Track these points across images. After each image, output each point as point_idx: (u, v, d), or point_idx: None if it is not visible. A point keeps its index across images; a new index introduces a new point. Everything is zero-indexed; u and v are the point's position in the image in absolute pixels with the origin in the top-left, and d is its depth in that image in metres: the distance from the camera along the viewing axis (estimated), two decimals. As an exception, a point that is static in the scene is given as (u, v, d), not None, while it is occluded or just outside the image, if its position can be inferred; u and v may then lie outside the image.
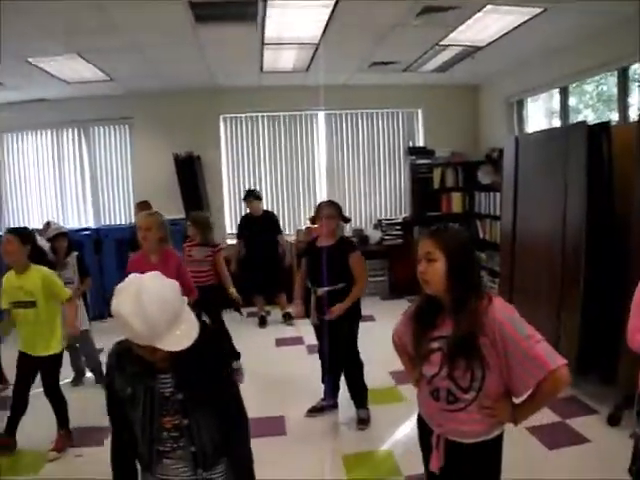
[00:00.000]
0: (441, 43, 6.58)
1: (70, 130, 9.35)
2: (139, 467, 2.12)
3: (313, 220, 4.69)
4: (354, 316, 4.51)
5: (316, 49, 6.74)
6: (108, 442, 4.34)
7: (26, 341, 4.23)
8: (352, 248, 4.53)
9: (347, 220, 4.80)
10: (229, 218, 9.39)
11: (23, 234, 4.21)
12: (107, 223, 9.27)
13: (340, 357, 4.58)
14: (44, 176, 9.46)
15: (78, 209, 9.45)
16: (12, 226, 8.22)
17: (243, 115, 9.23)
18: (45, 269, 4.21)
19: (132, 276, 1.83)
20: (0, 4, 4.63)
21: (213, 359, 1.99)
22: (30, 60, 6.64)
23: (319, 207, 4.57)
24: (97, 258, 7.96)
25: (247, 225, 7.78)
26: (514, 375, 2.02)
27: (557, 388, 2.04)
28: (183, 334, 1.74)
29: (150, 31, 5.80)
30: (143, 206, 7.29)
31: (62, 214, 9.19)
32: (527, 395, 2.09)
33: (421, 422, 2.39)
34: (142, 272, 4.10)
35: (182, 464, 1.98)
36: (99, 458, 4.20)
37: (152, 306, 1.68)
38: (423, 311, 2.25)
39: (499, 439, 2.20)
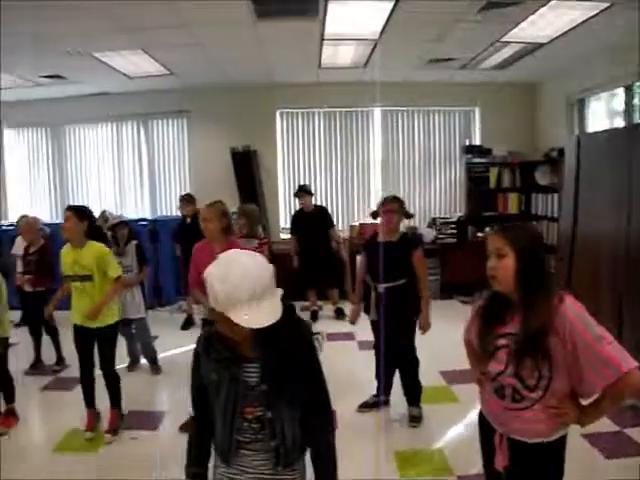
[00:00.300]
0: (502, 40, 6.49)
1: (130, 123, 9.62)
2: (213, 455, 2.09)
3: (375, 215, 4.66)
4: (414, 313, 4.48)
5: (375, 45, 6.72)
6: (162, 426, 4.54)
7: (79, 313, 4.33)
8: (416, 245, 4.52)
9: (410, 216, 4.77)
10: (283, 213, 9.46)
11: (80, 211, 4.33)
12: (163, 214, 9.47)
13: (397, 353, 4.55)
14: (104, 167, 9.76)
15: (135, 200, 9.73)
16: None
17: (299, 110, 9.29)
18: (100, 245, 4.35)
19: (231, 250, 1.83)
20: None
21: (301, 352, 1.93)
22: (96, 55, 6.82)
23: (383, 202, 4.54)
24: (153, 248, 8.12)
25: (300, 220, 7.81)
26: (583, 376, 1.97)
27: (628, 391, 1.98)
28: (261, 314, 1.67)
29: (213, 27, 5.91)
30: (187, 199, 7.42)
31: (120, 204, 9.46)
32: (595, 397, 2.04)
33: (482, 421, 2.36)
34: (206, 262, 4.20)
35: (261, 457, 1.93)
36: (152, 441, 4.38)
37: (236, 273, 1.67)
38: (490, 307, 2.22)
39: (563, 440, 2.15)
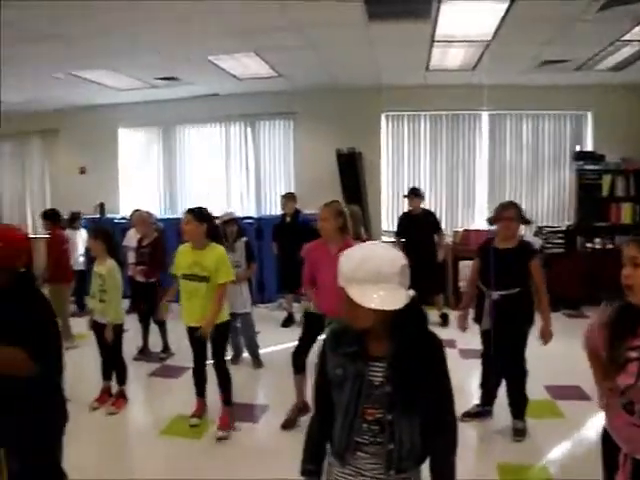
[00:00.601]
0: (622, 39, 6.18)
1: (238, 124, 9.90)
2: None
3: (491, 221, 4.53)
4: (527, 322, 4.32)
5: (486, 47, 6.58)
6: (263, 419, 4.61)
7: (192, 314, 4.43)
8: (534, 253, 4.38)
9: (528, 222, 4.61)
10: (385, 215, 9.43)
11: (199, 213, 4.45)
12: (267, 213, 9.66)
13: (506, 364, 4.38)
14: (212, 166, 10.11)
15: (241, 198, 9.99)
16: (183, 211, 8.82)
17: (405, 113, 9.21)
18: (221, 248, 4.45)
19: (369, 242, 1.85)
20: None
21: (431, 358, 1.86)
22: (210, 58, 7.07)
23: (500, 208, 4.41)
24: (257, 246, 8.26)
25: (406, 223, 7.70)
26: None
27: None
28: (377, 297, 1.66)
29: (324, 29, 5.98)
30: (289, 197, 7.53)
31: (227, 202, 9.73)
32: None
33: (606, 436, 2.23)
34: (320, 260, 4.20)
35: (375, 460, 1.86)
36: (254, 433, 4.47)
37: (363, 252, 1.72)
38: (621, 318, 2.09)
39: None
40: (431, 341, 1.89)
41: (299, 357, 4.38)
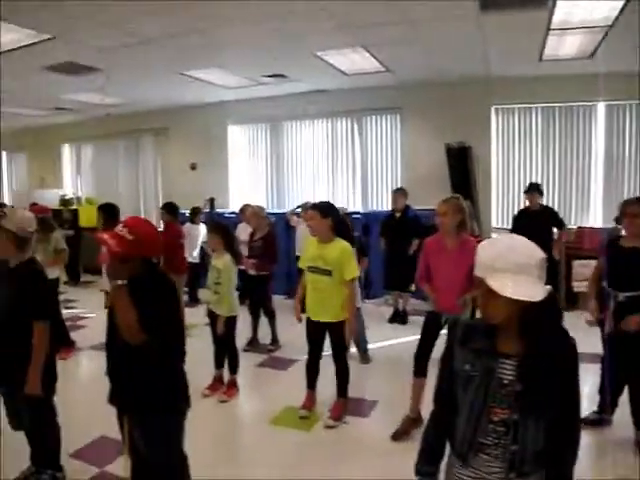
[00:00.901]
0: None
1: (344, 119, 9.94)
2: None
3: (618, 220, 4.28)
4: None
5: (606, 33, 6.24)
6: (373, 414, 4.58)
7: (314, 307, 4.49)
8: None
9: None
10: (495, 211, 9.16)
11: (323, 208, 4.48)
12: (373, 209, 9.66)
13: (631, 370, 4.07)
14: (318, 161, 10.23)
15: (347, 194, 10.03)
16: (292, 205, 9.09)
17: (516, 106, 8.87)
18: (345, 244, 4.43)
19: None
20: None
21: (564, 355, 1.78)
22: (318, 54, 7.12)
23: (625, 204, 4.14)
24: (364, 241, 8.26)
25: (524, 220, 7.36)
26: None
27: None
28: (519, 287, 1.61)
29: (435, 22, 5.89)
30: (399, 193, 7.46)
31: (333, 197, 9.72)
32: None
33: None
34: (438, 256, 4.14)
35: (497, 463, 1.79)
36: (363, 428, 4.45)
37: (504, 243, 1.71)
38: None
39: None
40: (565, 341, 1.80)
41: (421, 359, 4.24)
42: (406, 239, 7.17)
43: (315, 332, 4.55)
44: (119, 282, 2.46)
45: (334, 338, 4.51)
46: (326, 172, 10.19)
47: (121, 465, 3.13)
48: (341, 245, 4.40)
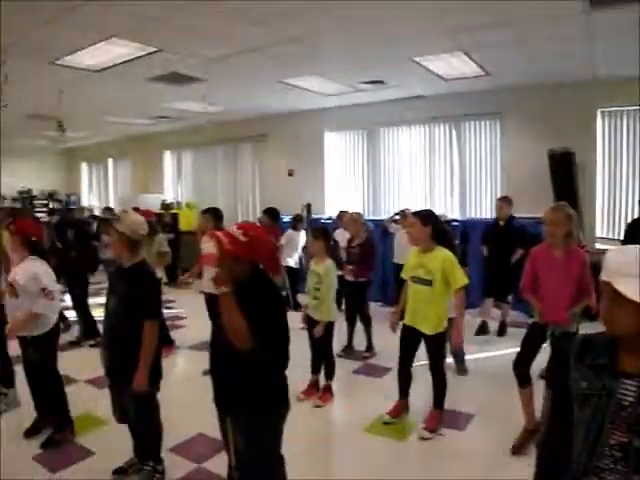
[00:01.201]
0: None
1: (442, 125, 9.78)
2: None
3: None
4: None
5: None
6: (470, 427, 4.46)
7: (413, 315, 4.44)
8: None
9: None
10: (600, 220, 8.70)
11: (424, 216, 4.43)
12: (472, 216, 9.46)
13: None
14: (415, 168, 10.11)
15: (445, 200, 9.85)
16: (388, 212, 9.06)
17: (624, 109, 8.36)
18: (447, 252, 4.33)
19: None
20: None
21: None
22: (417, 59, 7.05)
23: None
24: (462, 249, 8.08)
25: (636, 230, 6.89)
26: None
27: None
28: None
29: (537, 23, 5.69)
30: (505, 201, 7.23)
31: (430, 204, 9.62)
32: None
33: None
34: (545, 266, 3.99)
35: None
36: (459, 441, 4.33)
37: (634, 250, 1.57)
38: None
39: None
40: None
41: (521, 368, 4.12)
42: (509, 248, 6.94)
43: (410, 339, 4.49)
44: (225, 289, 2.49)
45: (431, 350, 4.44)
46: (423, 179, 10.05)
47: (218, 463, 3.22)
48: (443, 254, 4.30)
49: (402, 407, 4.68)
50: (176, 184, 14.60)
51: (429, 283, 4.28)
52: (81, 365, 5.94)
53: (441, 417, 4.49)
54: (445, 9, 5.26)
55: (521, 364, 4.12)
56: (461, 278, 4.29)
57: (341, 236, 6.95)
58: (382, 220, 8.72)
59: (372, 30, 5.89)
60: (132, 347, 3.38)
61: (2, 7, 4.88)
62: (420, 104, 9.51)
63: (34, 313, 4.02)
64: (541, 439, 1.96)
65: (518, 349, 4.18)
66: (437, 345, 4.42)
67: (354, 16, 5.42)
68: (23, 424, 4.54)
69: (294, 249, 8.39)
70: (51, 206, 16.17)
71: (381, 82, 8.49)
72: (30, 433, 4.43)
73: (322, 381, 5.26)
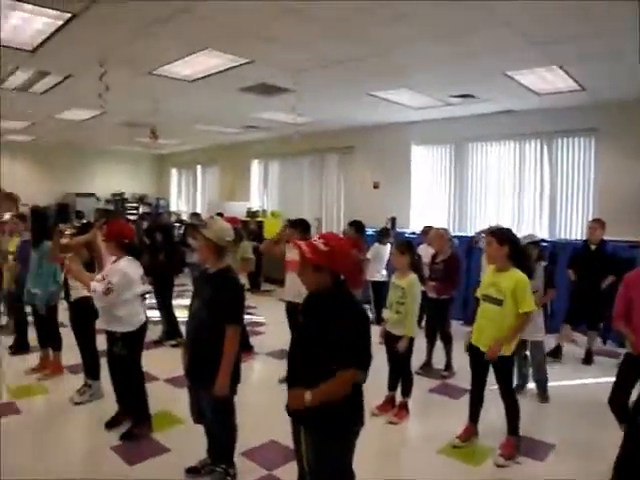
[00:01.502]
0: None
1: (533, 141, 9.48)
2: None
3: None
4: None
5: None
6: (550, 458, 4.28)
7: (478, 335, 4.33)
8: None
9: None
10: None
11: (500, 235, 4.32)
12: (561, 237, 9.08)
13: None
14: (504, 185, 9.83)
15: (534, 219, 9.53)
16: (474, 228, 8.93)
17: None
18: (521, 275, 4.18)
19: None
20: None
21: None
22: (509, 73, 6.88)
23: None
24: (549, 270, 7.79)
25: None
26: None
27: None
28: None
29: (633, 34, 5.36)
30: (598, 224, 6.92)
31: (518, 223, 9.39)
32: None
33: None
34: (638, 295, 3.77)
35: None
36: (538, 472, 4.14)
37: None
38: None
39: None
40: None
41: (617, 403, 3.94)
42: (600, 274, 6.64)
43: (478, 360, 4.36)
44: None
45: (497, 373, 4.31)
46: (511, 196, 9.72)
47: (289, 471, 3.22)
48: (517, 276, 4.17)
49: (471, 431, 4.55)
50: (262, 192, 14.87)
51: (499, 303, 4.17)
52: (162, 364, 6.15)
53: (517, 444, 4.31)
54: (537, 21, 5.09)
55: (617, 398, 3.94)
56: (529, 304, 4.14)
57: (424, 251, 6.86)
58: (467, 237, 8.52)
59: (462, 43, 5.79)
60: (213, 350, 3.46)
61: (103, 20, 5.15)
62: (510, 119, 9.28)
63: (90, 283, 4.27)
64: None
65: (605, 379, 3.99)
66: (503, 369, 4.28)
67: (442, 29, 5.36)
68: (104, 415, 4.77)
69: (381, 263, 8.31)
70: (141, 210, 16.80)
71: (471, 96, 8.33)
72: (110, 425, 4.67)
73: (398, 398, 5.17)
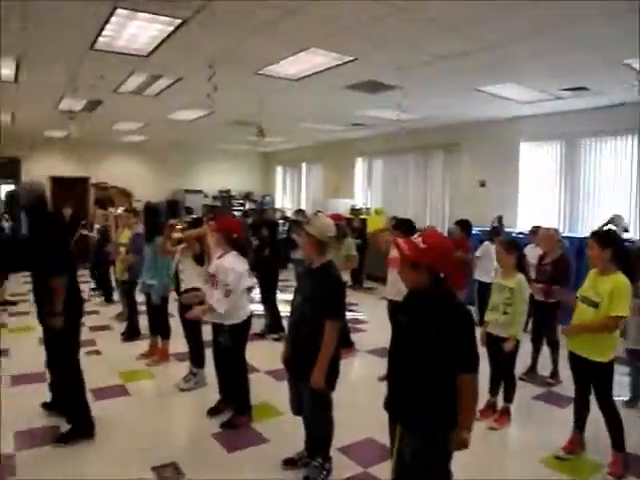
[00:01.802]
0: None
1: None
2: None
3: None
4: None
5: None
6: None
7: (574, 339, 4.16)
8: None
9: None
10: None
11: (603, 237, 4.13)
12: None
13: None
14: (620, 183, 9.19)
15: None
16: (586, 229, 8.50)
17: None
18: (623, 279, 3.95)
19: None
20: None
21: None
22: (628, 61, 6.45)
23: None
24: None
25: None
26: None
27: None
28: None
29: None
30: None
31: (637, 225, 8.79)
32: None
33: None
34: None
35: None
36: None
37: None
38: None
39: None
40: None
41: None
42: None
43: (577, 366, 4.19)
44: None
45: (594, 381, 4.10)
46: (628, 196, 9.01)
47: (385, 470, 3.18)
48: (618, 279, 3.94)
49: (577, 442, 4.32)
50: (366, 190, 14.85)
51: (595, 305, 3.96)
52: (264, 357, 6.33)
53: (625, 462, 4.03)
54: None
55: None
56: (623, 308, 3.88)
57: (532, 252, 6.57)
58: (578, 238, 8.11)
59: (574, 33, 5.48)
60: (313, 345, 3.53)
61: (211, 24, 5.31)
62: (626, 112, 8.66)
63: (210, 306, 4.50)
64: None
65: None
66: (600, 377, 4.05)
67: (552, 20, 5.07)
68: (207, 403, 5.01)
69: (490, 262, 8.05)
70: (247, 206, 17.23)
71: (585, 89, 7.90)
72: (212, 412, 4.91)
73: (500, 403, 5.02)
